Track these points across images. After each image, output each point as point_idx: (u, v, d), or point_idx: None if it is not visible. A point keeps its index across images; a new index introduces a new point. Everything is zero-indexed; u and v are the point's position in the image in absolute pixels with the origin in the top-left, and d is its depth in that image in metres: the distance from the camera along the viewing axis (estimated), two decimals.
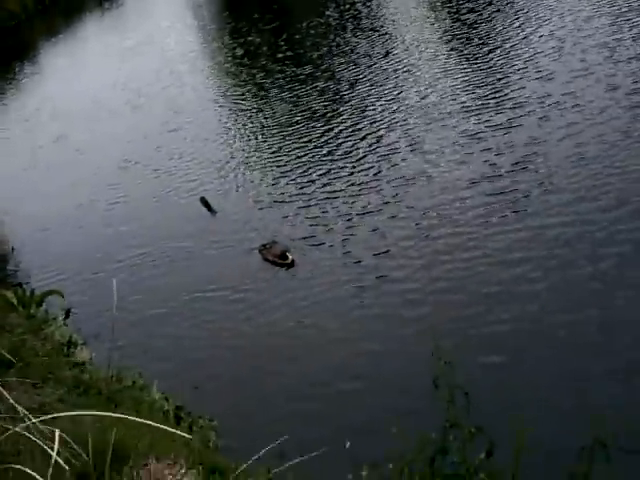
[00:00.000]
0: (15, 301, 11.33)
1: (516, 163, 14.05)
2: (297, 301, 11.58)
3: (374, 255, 12.36)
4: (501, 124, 15.79)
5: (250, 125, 20.37)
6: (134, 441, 5.29)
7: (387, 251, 12.46)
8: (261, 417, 8.18)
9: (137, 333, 11.43)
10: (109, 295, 12.17)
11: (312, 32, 27.60)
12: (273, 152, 18.01)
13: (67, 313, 11.58)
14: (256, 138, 19.35)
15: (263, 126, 19.94)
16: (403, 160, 15.49)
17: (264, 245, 13.42)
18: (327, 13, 29.52)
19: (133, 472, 4.72)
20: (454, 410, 4.98)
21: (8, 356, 6.36)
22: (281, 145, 18.18)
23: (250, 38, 28.89)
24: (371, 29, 26.03)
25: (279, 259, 12.91)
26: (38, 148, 22.81)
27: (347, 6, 29.63)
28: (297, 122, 19.31)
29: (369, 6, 29.40)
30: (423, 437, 5.02)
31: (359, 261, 12.32)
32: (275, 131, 19.28)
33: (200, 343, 10.98)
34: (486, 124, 15.98)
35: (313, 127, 18.64)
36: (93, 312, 11.99)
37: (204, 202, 15.84)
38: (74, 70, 32.49)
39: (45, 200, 18.58)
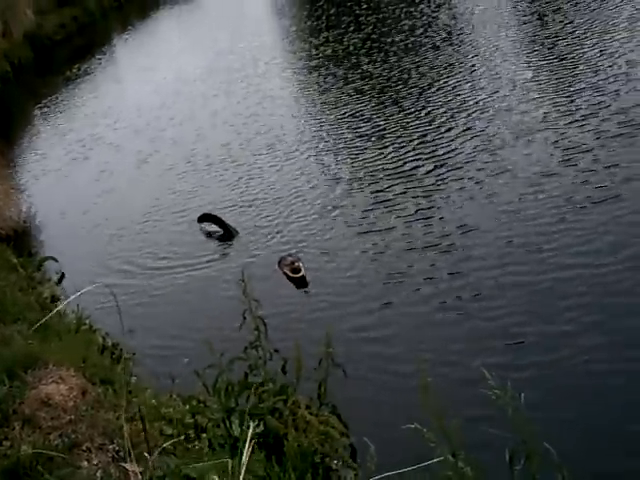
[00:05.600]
0: (18, 265, 13.53)
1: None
2: None
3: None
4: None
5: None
6: (48, 356, 7.33)
7: None
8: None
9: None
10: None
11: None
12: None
13: (61, 276, 13.69)
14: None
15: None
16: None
17: (281, 258, 12.83)
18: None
19: (36, 371, 6.73)
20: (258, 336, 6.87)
21: None
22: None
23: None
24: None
25: (291, 273, 12.27)
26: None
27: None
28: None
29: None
30: (234, 356, 6.95)
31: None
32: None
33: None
34: None
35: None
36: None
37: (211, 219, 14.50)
38: (144, 64, 33.78)
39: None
